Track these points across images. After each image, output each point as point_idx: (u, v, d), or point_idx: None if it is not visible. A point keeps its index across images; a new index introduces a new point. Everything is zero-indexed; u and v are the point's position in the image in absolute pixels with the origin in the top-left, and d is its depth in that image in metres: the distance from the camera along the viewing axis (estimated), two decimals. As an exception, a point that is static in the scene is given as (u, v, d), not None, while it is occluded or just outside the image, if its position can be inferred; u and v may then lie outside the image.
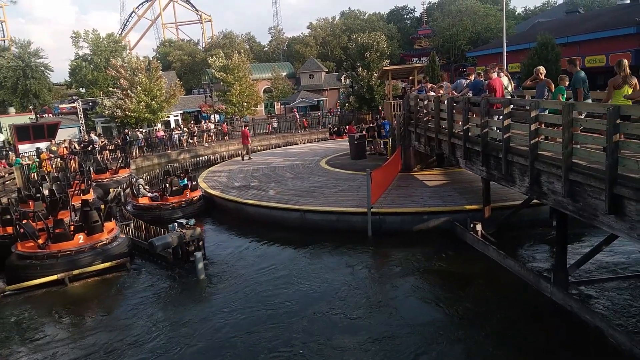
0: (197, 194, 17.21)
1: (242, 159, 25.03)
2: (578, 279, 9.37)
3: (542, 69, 10.56)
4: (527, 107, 8.73)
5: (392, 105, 20.88)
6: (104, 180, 21.94)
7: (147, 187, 17.74)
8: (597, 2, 71.01)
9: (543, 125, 8.62)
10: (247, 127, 30.51)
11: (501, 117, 9.70)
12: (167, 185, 17.01)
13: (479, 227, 11.65)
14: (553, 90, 9.78)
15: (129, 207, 17.10)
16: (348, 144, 22.93)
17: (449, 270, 10.79)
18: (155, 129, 36.13)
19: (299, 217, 14.13)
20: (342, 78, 54.99)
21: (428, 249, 11.81)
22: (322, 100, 57.94)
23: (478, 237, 11.50)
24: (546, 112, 8.77)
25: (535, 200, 10.04)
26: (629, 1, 52.42)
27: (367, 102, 40.55)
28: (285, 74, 61.73)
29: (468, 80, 13.88)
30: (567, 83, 9.39)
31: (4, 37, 69.99)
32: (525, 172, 8.93)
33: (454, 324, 8.46)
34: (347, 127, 31.49)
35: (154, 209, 16.43)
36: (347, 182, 17.02)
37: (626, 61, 7.63)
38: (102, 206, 13.91)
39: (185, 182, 17.41)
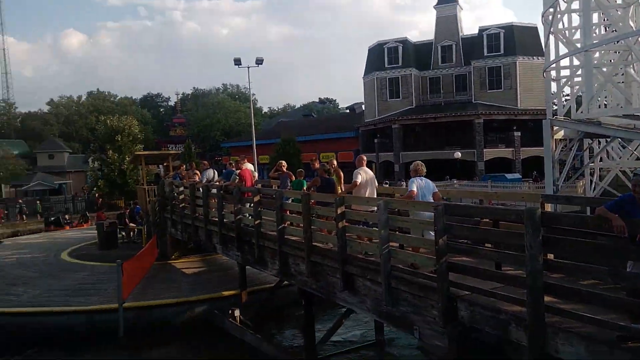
0: None
1: None
2: (327, 354, 10.23)
3: (284, 163, 11.94)
4: (274, 196, 9.65)
5: (146, 190, 20.16)
6: None
7: None
8: (326, 109, 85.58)
9: (288, 212, 9.61)
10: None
11: (252, 204, 10.45)
12: None
13: (237, 312, 11.78)
14: (293, 180, 11.10)
15: None
16: (85, 233, 20.73)
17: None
18: None
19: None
20: (90, 160, 50.74)
21: (187, 342, 11.28)
22: (65, 183, 51.88)
23: (236, 324, 11.58)
24: (289, 201, 9.87)
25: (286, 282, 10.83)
26: (348, 111, 64.64)
27: (120, 186, 38.14)
28: (17, 152, 53.55)
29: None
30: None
31: None
32: (275, 255, 9.65)
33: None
34: (96, 213, 28.77)
35: None
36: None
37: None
38: None
39: None
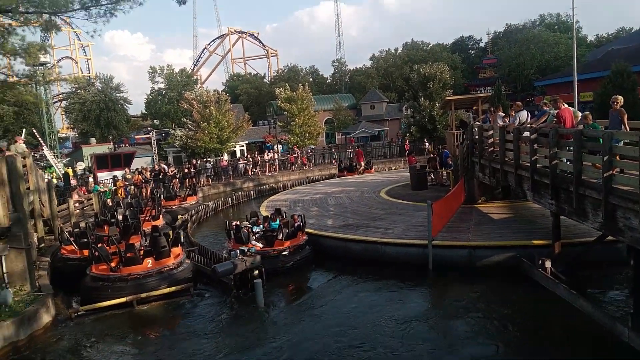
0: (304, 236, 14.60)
1: (358, 174, 30.37)
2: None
3: (620, 98, 9.97)
4: (601, 138, 8.31)
5: (454, 135, 20.52)
6: (173, 207, 23.05)
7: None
8: (680, 26, 66.70)
9: (618, 157, 8.14)
10: (360, 148, 35.82)
11: (571, 148, 9.28)
12: (276, 224, 14.68)
13: (548, 263, 11.00)
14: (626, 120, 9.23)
15: (224, 252, 13.99)
16: (381, 178, 22.32)
17: (515, 309, 10.23)
18: (221, 159, 37.64)
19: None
20: (404, 108, 54.85)
21: (492, 285, 11.31)
22: (383, 130, 57.98)
23: (547, 275, 10.85)
24: (621, 144, 8.31)
25: (610, 237, 9.39)
26: None
27: (429, 132, 40.10)
28: (346, 105, 62.61)
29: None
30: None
31: (89, 73, 76.60)
32: (599, 206, 8.41)
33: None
34: (408, 157, 31.20)
35: (266, 257, 13.08)
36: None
37: None
38: (170, 232, 14.55)
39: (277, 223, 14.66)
